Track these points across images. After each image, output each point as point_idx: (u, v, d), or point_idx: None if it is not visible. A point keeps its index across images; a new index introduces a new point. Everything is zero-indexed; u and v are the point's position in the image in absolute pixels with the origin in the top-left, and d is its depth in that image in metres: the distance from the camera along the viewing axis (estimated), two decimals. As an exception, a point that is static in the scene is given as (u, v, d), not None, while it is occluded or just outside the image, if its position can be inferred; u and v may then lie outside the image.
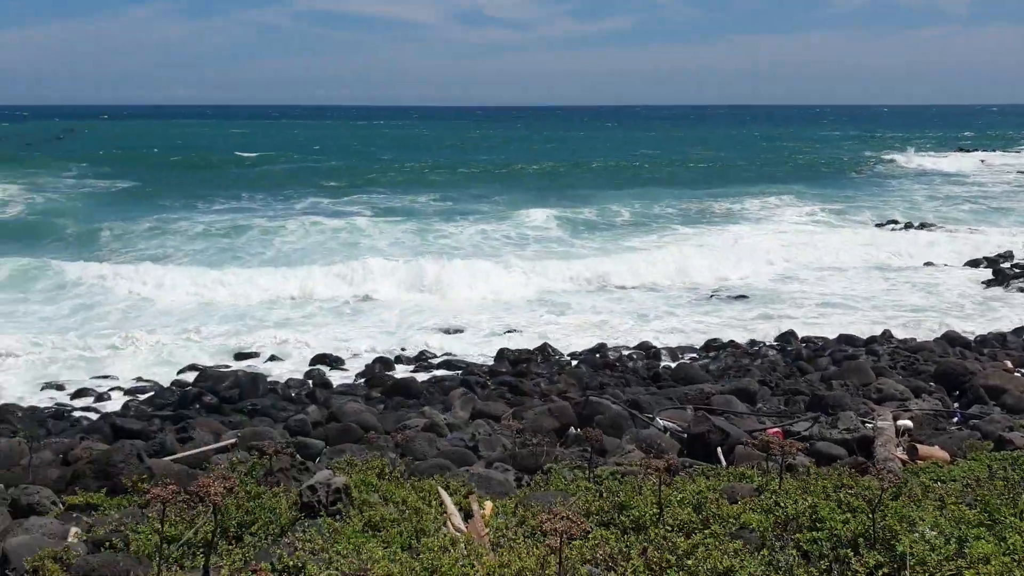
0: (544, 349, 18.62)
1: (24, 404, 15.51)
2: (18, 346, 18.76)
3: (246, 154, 75.23)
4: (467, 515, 6.97)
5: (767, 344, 19.39)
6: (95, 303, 23.34)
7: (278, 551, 5.48)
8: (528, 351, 18.50)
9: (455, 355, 18.75)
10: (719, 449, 9.94)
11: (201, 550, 5.83)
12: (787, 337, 19.63)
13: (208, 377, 16.44)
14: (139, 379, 17.08)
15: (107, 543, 5.94)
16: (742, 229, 36.16)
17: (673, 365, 17.40)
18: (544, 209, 39.97)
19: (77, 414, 14.90)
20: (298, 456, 8.43)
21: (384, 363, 17.95)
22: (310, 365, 18.03)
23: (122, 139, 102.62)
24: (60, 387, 16.62)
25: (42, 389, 16.59)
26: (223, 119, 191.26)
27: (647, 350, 18.69)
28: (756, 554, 5.60)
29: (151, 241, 33.18)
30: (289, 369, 18.01)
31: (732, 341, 19.33)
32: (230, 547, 5.93)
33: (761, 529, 5.99)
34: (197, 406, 14.79)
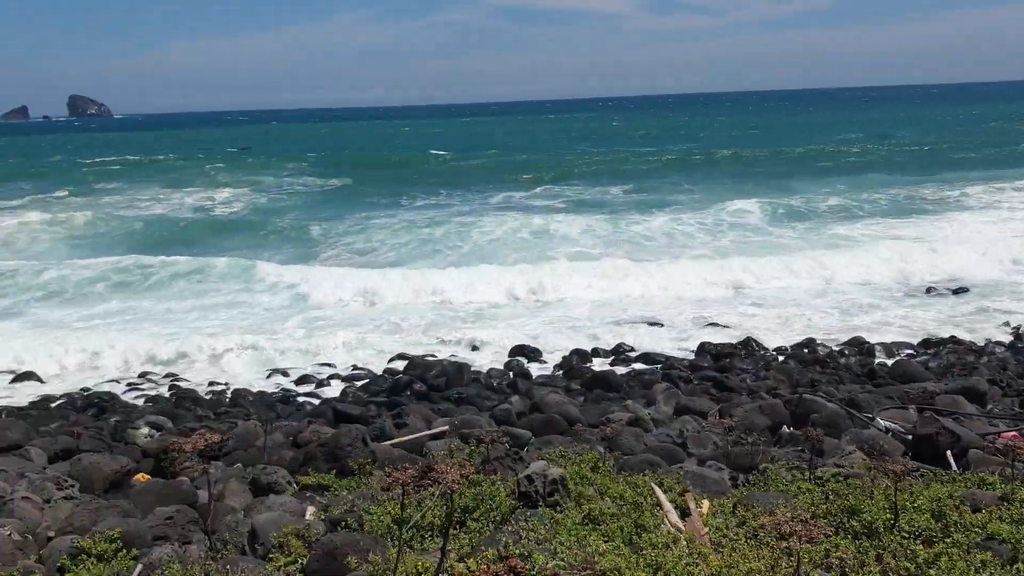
0: (748, 343, 18.06)
1: (254, 389, 16.79)
2: (244, 337, 20.26)
3: (444, 152, 77.73)
4: (683, 513, 6.87)
5: (994, 341, 17.91)
6: (307, 295, 24.83)
7: (503, 539, 5.61)
8: (731, 345, 18.01)
9: (652, 349, 18.54)
10: (949, 453, 9.26)
11: (429, 532, 6.07)
12: (1018, 333, 18.05)
13: (416, 366, 17.12)
14: (354, 367, 18.04)
15: (343, 522, 6.30)
16: (962, 217, 33.56)
17: (889, 362, 16.40)
18: (742, 197, 38.89)
19: (301, 399, 15.92)
20: (511, 446, 8.60)
21: (581, 355, 18.02)
22: (509, 356, 18.37)
23: (331, 140, 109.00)
24: (285, 373, 17.83)
25: (268, 376, 17.83)
26: (421, 118, 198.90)
27: (859, 346, 17.73)
28: (1008, 568, 5.17)
29: (359, 236, 34.97)
30: (489, 359, 18.44)
31: (953, 337, 18.01)
32: (455, 532, 6.14)
33: (1013, 540, 5.52)
34: (408, 393, 15.46)
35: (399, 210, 42.34)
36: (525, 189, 48.75)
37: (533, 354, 18.40)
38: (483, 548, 5.42)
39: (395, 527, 6.21)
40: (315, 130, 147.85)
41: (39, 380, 17.83)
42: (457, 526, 6.27)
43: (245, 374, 18.11)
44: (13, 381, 17.70)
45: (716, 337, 19.08)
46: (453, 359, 18.11)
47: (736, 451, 9.05)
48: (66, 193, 54.07)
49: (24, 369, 18.18)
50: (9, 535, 7.01)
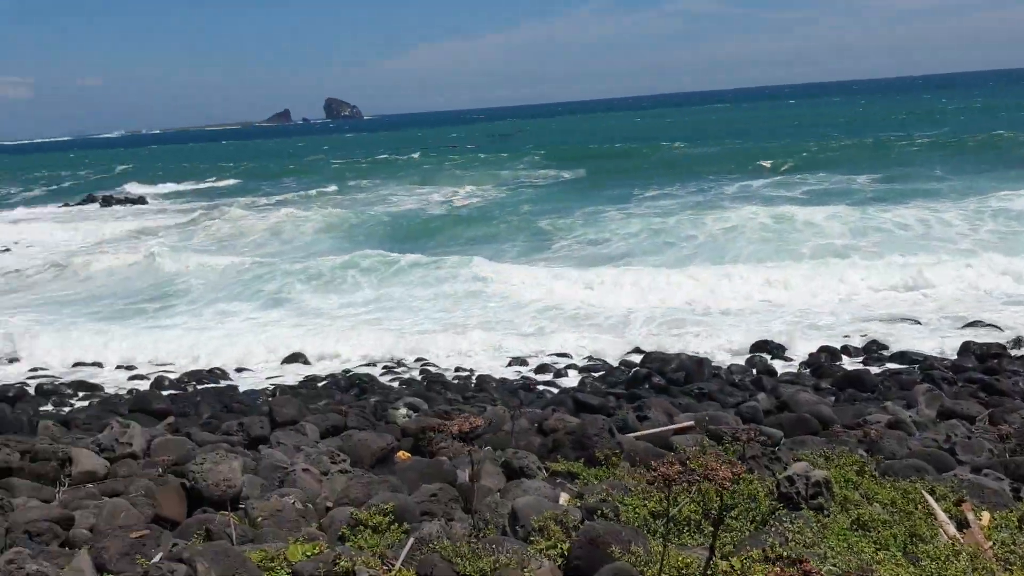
0: (1020, 343, 16.47)
1: (496, 376, 17.40)
2: (482, 327, 21.04)
3: (677, 142, 76.64)
4: (959, 524, 6.38)
5: None
6: (531, 289, 25.09)
7: (768, 539, 5.45)
8: (999, 345, 16.49)
9: (907, 348, 17.30)
10: None
11: (686, 527, 6.02)
12: None
13: (654, 359, 17.02)
14: (590, 358, 18.24)
15: (599, 511, 6.38)
16: None
17: None
18: (1008, 185, 35.37)
19: (540, 387, 16.32)
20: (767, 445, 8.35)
21: (831, 353, 17.16)
22: (750, 352, 17.83)
23: (565, 133, 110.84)
24: (523, 362, 18.33)
25: (508, 364, 18.39)
26: (653, 108, 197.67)
27: None
28: None
29: (590, 227, 35.18)
30: (728, 355, 17.96)
31: None
32: (713, 529, 6.04)
33: None
34: (646, 386, 15.41)
35: (631, 201, 42.33)
36: (764, 178, 47.17)
37: (777, 350, 17.75)
38: (747, 547, 5.30)
39: (651, 519, 6.22)
40: (549, 124, 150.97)
41: (305, 361, 19.43)
42: (716, 524, 6.16)
43: (486, 361, 18.77)
44: (284, 362, 19.41)
45: (979, 336, 17.54)
46: (694, 354, 17.79)
47: (1017, 460, 8.27)
48: (324, 190, 58.66)
49: (293, 351, 19.86)
50: (293, 504, 7.71)
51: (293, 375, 18.64)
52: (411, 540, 6.11)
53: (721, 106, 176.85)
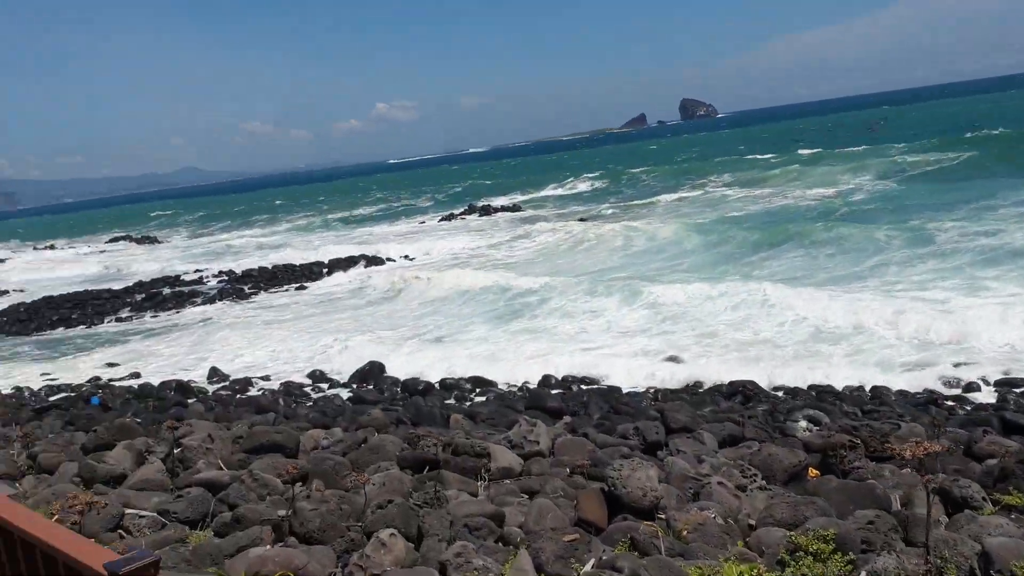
0: None
1: (893, 388, 15.93)
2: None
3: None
4: None
5: None
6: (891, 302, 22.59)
7: None
8: None
9: None
10: None
11: None
12: None
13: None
14: (1006, 372, 16.09)
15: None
16: None
17: None
18: None
19: (949, 403, 14.66)
20: None
21: None
22: None
23: (941, 119, 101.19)
24: (922, 372, 16.55)
25: (905, 373, 16.74)
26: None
27: None
28: None
29: (979, 220, 31.29)
30: None
31: None
32: None
33: None
34: (1088, 406, 13.24)
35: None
36: None
37: None
38: None
39: None
40: (925, 109, 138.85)
41: (677, 361, 19.27)
42: None
43: (865, 370, 17.21)
44: (664, 360, 19.41)
45: None
46: None
47: None
48: (680, 194, 58.75)
49: (662, 354, 19.77)
50: (715, 518, 7.46)
51: (669, 378, 18.51)
52: (863, 574, 5.58)
53: None
